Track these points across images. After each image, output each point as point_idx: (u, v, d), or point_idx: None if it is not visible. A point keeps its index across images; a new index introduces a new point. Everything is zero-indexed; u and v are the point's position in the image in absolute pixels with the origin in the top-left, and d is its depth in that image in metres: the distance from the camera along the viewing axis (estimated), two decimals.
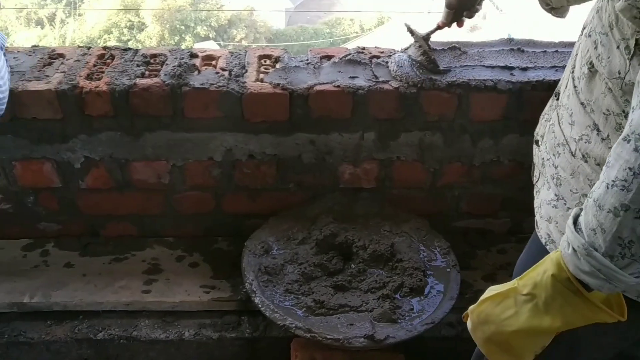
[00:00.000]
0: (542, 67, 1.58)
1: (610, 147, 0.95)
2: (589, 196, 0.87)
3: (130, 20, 19.64)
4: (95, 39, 17.84)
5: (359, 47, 1.69)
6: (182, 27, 19.39)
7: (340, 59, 1.61)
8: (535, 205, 1.21)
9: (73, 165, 1.59)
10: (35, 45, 1.69)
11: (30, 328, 1.54)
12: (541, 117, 1.25)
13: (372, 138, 1.60)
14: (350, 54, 1.64)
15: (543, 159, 1.18)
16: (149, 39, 18.56)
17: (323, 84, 1.52)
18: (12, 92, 1.44)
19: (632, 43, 0.89)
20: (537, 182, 1.24)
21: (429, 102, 1.54)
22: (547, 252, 1.01)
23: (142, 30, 19.48)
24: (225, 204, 1.71)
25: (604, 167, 0.85)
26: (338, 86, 1.51)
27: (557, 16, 1.29)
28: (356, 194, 1.71)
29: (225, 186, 1.67)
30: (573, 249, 0.89)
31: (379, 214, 1.70)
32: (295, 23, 22.58)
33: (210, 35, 19.32)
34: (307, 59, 1.64)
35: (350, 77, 1.55)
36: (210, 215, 1.73)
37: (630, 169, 0.80)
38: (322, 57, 1.65)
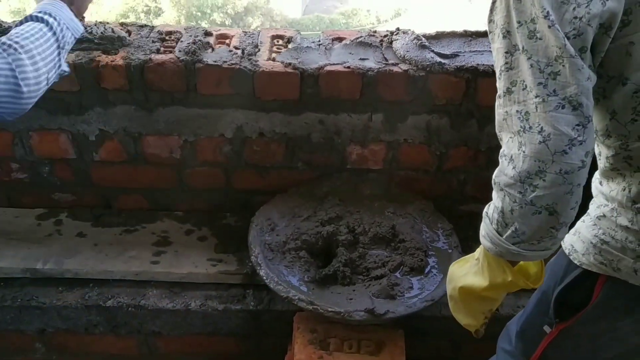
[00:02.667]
0: None
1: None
2: None
3: (147, 5, 19.72)
4: None
5: (370, 30, 1.71)
6: (199, 14, 19.42)
7: (352, 41, 1.64)
8: None
9: (88, 137, 1.63)
10: None
11: (42, 293, 1.59)
12: None
13: (380, 120, 1.62)
14: (361, 36, 1.66)
15: None
16: None
17: (333, 64, 1.54)
18: None
19: None
20: None
21: (437, 85, 1.56)
22: (570, 261, 1.08)
23: (159, 15, 19.54)
24: (235, 180, 1.74)
25: None
26: (348, 67, 1.53)
27: None
28: (363, 175, 1.74)
29: (235, 163, 1.70)
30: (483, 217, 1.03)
31: (384, 196, 1.73)
32: (311, 12, 22.53)
33: (227, 22, 19.34)
34: (319, 40, 1.66)
35: (360, 59, 1.57)
36: (219, 191, 1.77)
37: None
38: (333, 39, 1.67)
